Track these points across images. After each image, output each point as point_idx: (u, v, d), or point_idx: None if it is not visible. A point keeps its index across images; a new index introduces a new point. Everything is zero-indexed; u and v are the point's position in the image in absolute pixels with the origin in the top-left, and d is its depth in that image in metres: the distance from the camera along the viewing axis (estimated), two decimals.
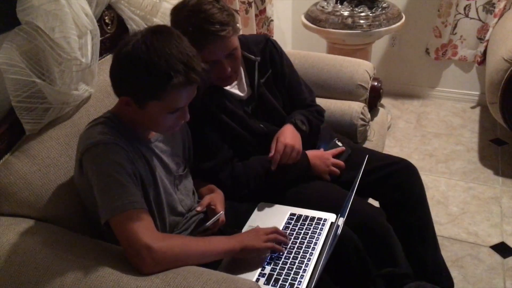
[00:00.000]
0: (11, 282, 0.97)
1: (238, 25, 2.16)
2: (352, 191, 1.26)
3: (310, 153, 1.53)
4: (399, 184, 1.54)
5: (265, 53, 1.51)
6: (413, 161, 2.50)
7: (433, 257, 1.59)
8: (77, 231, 1.15)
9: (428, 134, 2.82)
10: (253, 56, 1.48)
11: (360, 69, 1.90)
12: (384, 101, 3.16)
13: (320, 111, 1.63)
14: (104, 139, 1.05)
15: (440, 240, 1.65)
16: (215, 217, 1.22)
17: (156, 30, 1.07)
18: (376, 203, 1.61)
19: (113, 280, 0.94)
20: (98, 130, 1.08)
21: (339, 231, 1.20)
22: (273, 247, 1.18)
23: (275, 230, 1.21)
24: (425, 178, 2.41)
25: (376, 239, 1.41)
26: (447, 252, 1.94)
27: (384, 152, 2.60)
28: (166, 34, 1.06)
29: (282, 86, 1.56)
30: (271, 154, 1.40)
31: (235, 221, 1.36)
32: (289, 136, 1.42)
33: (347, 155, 1.58)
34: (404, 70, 3.20)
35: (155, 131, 1.17)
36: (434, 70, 3.12)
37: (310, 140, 1.58)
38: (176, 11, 1.32)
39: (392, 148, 2.69)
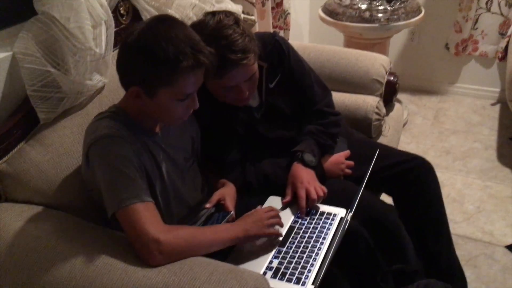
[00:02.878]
0: (22, 267, 0.99)
1: (253, 17, 2.16)
2: (362, 186, 1.24)
3: (325, 160, 1.51)
4: (414, 182, 1.52)
5: (273, 56, 1.43)
6: (429, 158, 2.47)
7: (446, 257, 1.56)
8: (88, 218, 1.16)
9: (446, 131, 2.77)
10: (260, 61, 1.40)
11: (376, 63, 1.87)
12: (401, 96, 3.12)
13: (334, 121, 1.53)
14: (110, 132, 1.06)
15: (454, 239, 1.62)
16: (226, 218, 1.23)
17: (160, 18, 1.08)
18: (389, 199, 1.60)
19: (120, 268, 0.95)
20: (104, 124, 1.08)
21: (346, 225, 1.19)
22: (275, 233, 1.21)
23: (274, 214, 1.22)
24: (441, 176, 2.38)
25: (386, 236, 1.39)
26: (461, 251, 1.91)
27: (400, 148, 2.59)
28: (170, 21, 1.07)
29: (293, 89, 1.49)
30: (287, 198, 1.35)
31: (244, 212, 1.36)
32: (304, 177, 1.35)
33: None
34: (423, 65, 3.15)
35: (166, 121, 1.17)
36: (453, 66, 3.06)
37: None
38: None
39: (408, 144, 2.66)
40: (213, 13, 1.24)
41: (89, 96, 1.32)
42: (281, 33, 2.67)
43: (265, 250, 1.20)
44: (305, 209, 1.31)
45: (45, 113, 1.22)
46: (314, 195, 1.31)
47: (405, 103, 3.04)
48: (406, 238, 1.44)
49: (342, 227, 1.19)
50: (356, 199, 1.15)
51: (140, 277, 0.93)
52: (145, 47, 1.03)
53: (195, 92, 1.11)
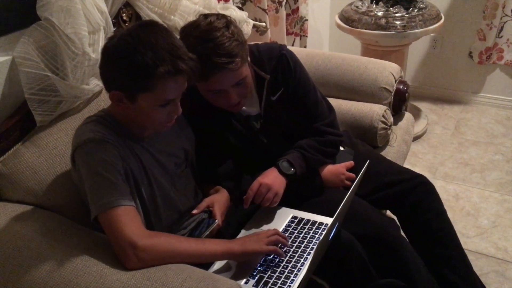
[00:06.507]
0: (5, 265, 1.02)
1: (264, 24, 2.16)
2: (349, 192, 1.18)
3: (325, 169, 1.48)
4: (414, 203, 1.47)
5: (277, 70, 1.40)
6: (446, 169, 2.43)
7: (465, 282, 1.48)
8: (78, 219, 1.19)
9: (466, 142, 2.68)
10: (263, 73, 1.39)
11: (385, 71, 1.83)
12: (422, 105, 3.05)
13: (331, 141, 1.48)
14: (95, 136, 1.07)
15: None
16: (210, 227, 1.22)
17: (143, 24, 1.09)
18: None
19: (96, 271, 0.97)
20: (90, 127, 1.10)
21: (325, 231, 1.16)
22: (275, 251, 1.15)
23: (276, 232, 1.19)
24: (457, 188, 2.31)
25: (387, 250, 1.35)
26: None
27: (416, 159, 2.53)
28: (152, 26, 1.08)
29: (295, 104, 1.45)
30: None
31: (238, 220, 1.36)
32: (268, 177, 1.33)
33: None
34: (445, 74, 3.06)
35: (150, 127, 1.18)
36: (477, 75, 2.97)
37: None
38: (185, 33, 1.24)
39: (425, 154, 2.59)
40: (206, 15, 1.25)
41: (86, 100, 1.35)
42: (297, 40, 2.66)
43: (252, 259, 1.19)
44: (248, 202, 1.29)
45: (42, 116, 1.26)
46: (261, 194, 1.29)
47: (426, 112, 2.96)
48: (411, 254, 1.39)
49: (320, 233, 1.15)
50: (340, 205, 1.11)
51: (113, 280, 0.94)
52: (124, 52, 1.04)
53: (177, 98, 1.11)
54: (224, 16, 1.27)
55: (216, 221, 1.24)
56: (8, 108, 1.26)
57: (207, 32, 1.20)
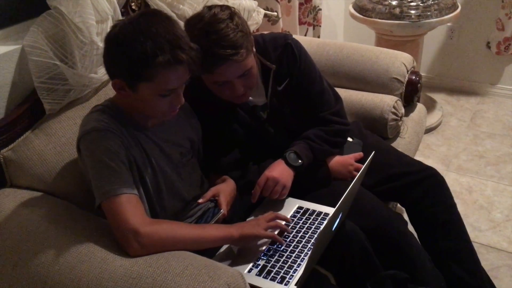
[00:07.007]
0: (13, 249, 1.05)
1: (276, 13, 2.14)
2: (353, 182, 1.17)
3: (332, 160, 1.47)
4: (423, 196, 1.46)
5: (282, 60, 1.38)
6: (460, 161, 2.40)
7: (472, 277, 1.46)
8: (85, 206, 1.20)
9: (481, 134, 2.63)
10: (269, 63, 1.38)
11: (397, 61, 1.80)
12: (437, 96, 3.00)
13: (338, 131, 1.46)
14: (98, 126, 1.08)
15: (476, 248, 1.53)
16: (215, 217, 1.23)
17: (145, 12, 1.09)
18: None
19: (100, 257, 0.98)
20: (95, 117, 1.11)
21: (326, 220, 1.15)
22: (273, 237, 1.17)
23: (274, 217, 1.20)
24: (470, 181, 2.27)
25: (392, 244, 1.34)
26: (482, 261, 1.77)
27: (430, 151, 2.50)
28: (153, 15, 1.08)
29: (301, 94, 1.43)
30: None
31: (244, 210, 1.36)
32: (276, 170, 1.33)
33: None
34: (462, 65, 3.00)
35: (153, 116, 1.18)
36: (495, 66, 2.90)
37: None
38: (189, 25, 1.23)
39: (439, 147, 2.55)
40: (210, 7, 1.23)
41: (94, 88, 1.36)
42: (311, 30, 2.64)
43: (256, 248, 1.19)
44: (256, 196, 1.31)
45: (51, 104, 1.28)
46: (268, 188, 1.30)
47: (441, 103, 2.91)
48: (415, 247, 1.38)
49: (324, 223, 1.15)
50: (343, 195, 1.10)
51: (117, 266, 0.96)
52: (124, 41, 1.04)
53: (179, 88, 1.11)
54: (228, 7, 1.26)
55: (222, 210, 1.24)
56: (18, 96, 1.28)
57: (211, 24, 1.19)
